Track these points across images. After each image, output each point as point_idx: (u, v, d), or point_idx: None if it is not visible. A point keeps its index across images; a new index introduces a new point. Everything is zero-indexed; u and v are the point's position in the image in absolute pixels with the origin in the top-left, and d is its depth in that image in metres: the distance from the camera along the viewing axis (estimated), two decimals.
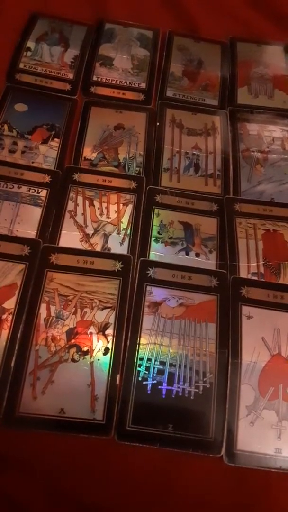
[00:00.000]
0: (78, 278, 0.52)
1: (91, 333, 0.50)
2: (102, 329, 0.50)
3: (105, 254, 0.55)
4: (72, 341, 0.49)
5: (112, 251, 0.56)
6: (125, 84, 0.72)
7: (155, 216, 0.59)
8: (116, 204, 0.59)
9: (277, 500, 0.45)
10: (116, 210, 0.59)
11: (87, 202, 0.59)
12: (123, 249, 0.56)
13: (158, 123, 0.68)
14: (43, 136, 0.65)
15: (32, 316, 0.50)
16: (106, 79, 0.72)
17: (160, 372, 0.48)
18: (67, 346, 0.49)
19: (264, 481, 0.45)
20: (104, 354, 0.49)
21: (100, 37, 0.77)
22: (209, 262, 0.56)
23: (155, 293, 0.52)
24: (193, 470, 0.45)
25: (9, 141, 0.63)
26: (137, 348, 0.49)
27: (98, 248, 0.56)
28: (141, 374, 0.48)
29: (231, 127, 0.69)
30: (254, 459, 0.45)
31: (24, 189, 0.59)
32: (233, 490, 0.45)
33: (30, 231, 0.56)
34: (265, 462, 0.45)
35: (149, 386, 0.48)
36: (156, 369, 0.48)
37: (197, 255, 0.56)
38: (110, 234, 0.57)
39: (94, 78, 0.72)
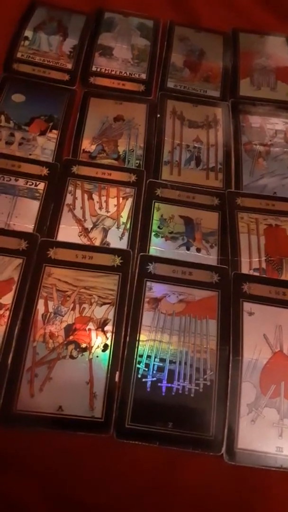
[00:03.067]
0: (77, 273, 0.51)
1: (89, 330, 0.49)
2: (101, 326, 0.49)
3: (104, 249, 0.54)
4: (71, 337, 0.48)
5: (112, 245, 0.55)
6: (125, 74, 0.70)
7: (155, 210, 0.58)
8: (116, 198, 0.58)
9: (277, 499, 0.44)
10: (116, 204, 0.58)
11: (86, 196, 0.58)
12: (122, 244, 0.55)
13: (158, 115, 0.67)
14: (41, 127, 0.63)
15: (30, 312, 0.49)
16: (105, 69, 0.71)
17: (160, 369, 0.48)
18: (65, 342, 0.48)
19: (264, 480, 0.45)
20: (103, 350, 0.48)
21: (100, 26, 0.75)
22: (210, 257, 0.55)
23: (155, 289, 0.51)
24: (193, 469, 0.45)
25: (6, 132, 0.62)
26: (136, 345, 0.48)
27: (97, 243, 0.55)
28: (141, 371, 0.47)
29: (233, 119, 0.68)
30: (255, 457, 0.45)
31: (21, 181, 0.57)
32: (234, 489, 0.44)
33: (27, 225, 0.55)
34: (266, 460, 0.45)
35: (148, 384, 0.47)
36: (156, 366, 0.48)
37: (198, 250, 0.55)
38: (109, 229, 0.56)
39: (94, 68, 0.70)
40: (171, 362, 0.48)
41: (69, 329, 0.49)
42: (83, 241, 0.55)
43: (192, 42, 0.76)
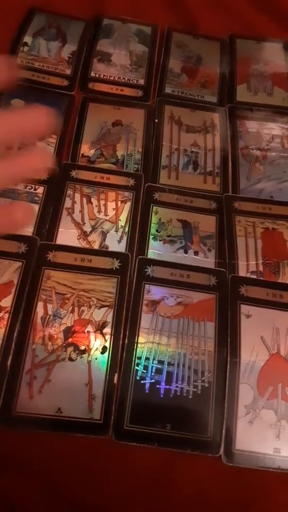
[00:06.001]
0: (76, 276, 0.52)
1: (88, 332, 0.49)
2: (99, 328, 0.49)
3: (103, 252, 0.54)
4: (70, 339, 0.48)
5: (110, 249, 0.55)
6: (123, 80, 0.71)
7: (153, 214, 0.58)
8: (114, 202, 0.59)
9: (275, 500, 0.45)
10: (114, 207, 0.58)
11: (84, 200, 0.59)
12: (121, 247, 0.55)
13: (156, 120, 0.67)
14: None
15: (29, 314, 0.49)
16: (104, 75, 0.71)
17: (158, 371, 0.48)
18: (64, 345, 0.48)
19: (262, 481, 0.45)
20: (102, 353, 0.48)
21: (98, 32, 0.76)
22: (207, 260, 0.56)
23: (153, 292, 0.52)
24: (191, 470, 0.45)
25: None
26: (135, 347, 0.49)
27: (95, 246, 0.55)
28: (139, 373, 0.48)
29: (230, 124, 0.68)
30: (253, 458, 0.45)
31: (20, 185, 0.58)
32: (232, 490, 0.45)
33: (26, 228, 0.55)
34: (264, 461, 0.45)
35: (147, 385, 0.47)
36: (154, 368, 0.48)
37: (196, 253, 0.56)
38: (108, 232, 0.56)
39: (92, 74, 0.71)
40: (169, 364, 0.48)
41: (68, 332, 0.49)
42: (82, 244, 0.55)
43: (190, 48, 0.77)
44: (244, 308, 0.51)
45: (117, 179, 0.61)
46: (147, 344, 0.49)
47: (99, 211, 0.58)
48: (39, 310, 0.50)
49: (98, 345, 0.48)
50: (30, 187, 0.58)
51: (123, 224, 0.57)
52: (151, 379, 0.47)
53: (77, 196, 0.59)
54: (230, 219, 0.58)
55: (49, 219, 0.56)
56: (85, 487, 0.43)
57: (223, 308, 0.51)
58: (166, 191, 0.60)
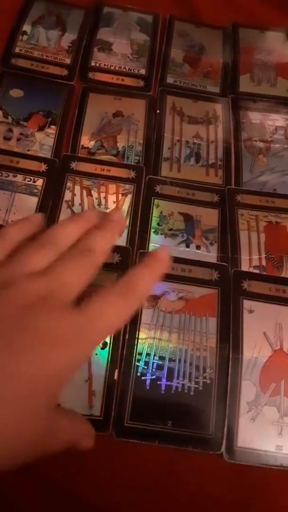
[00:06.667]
0: None
1: None
2: None
3: None
4: None
5: None
6: (124, 70, 0.70)
7: (154, 207, 0.57)
8: (115, 194, 0.58)
9: (277, 498, 0.44)
10: (115, 200, 0.57)
11: (84, 192, 0.57)
12: (121, 241, 0.54)
13: (158, 111, 0.66)
14: (39, 123, 0.63)
15: None
16: (104, 64, 0.70)
17: (159, 367, 0.47)
18: None
19: (264, 478, 0.44)
20: (102, 348, 0.47)
21: (99, 21, 0.74)
22: (210, 254, 0.55)
23: (154, 286, 0.51)
24: (192, 467, 0.44)
25: (4, 127, 0.61)
26: (136, 343, 0.48)
27: None
28: (140, 369, 0.47)
29: (233, 115, 0.67)
30: (255, 456, 0.44)
31: (19, 177, 0.57)
32: (233, 487, 0.44)
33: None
34: (266, 459, 0.44)
35: (148, 382, 0.46)
36: (155, 364, 0.47)
37: (198, 247, 0.55)
38: None
39: (92, 64, 0.70)
40: (170, 360, 0.48)
41: None
42: None
43: (192, 37, 0.75)
44: (247, 303, 0.51)
45: (117, 171, 0.59)
46: (148, 340, 0.48)
47: (99, 204, 0.57)
48: None
49: None
50: (29, 179, 0.57)
51: (124, 217, 0.56)
52: (152, 375, 0.47)
53: (77, 189, 0.58)
54: (232, 212, 0.57)
55: (48, 212, 0.55)
56: (85, 484, 0.43)
57: (225, 303, 0.51)
58: (168, 184, 0.59)
